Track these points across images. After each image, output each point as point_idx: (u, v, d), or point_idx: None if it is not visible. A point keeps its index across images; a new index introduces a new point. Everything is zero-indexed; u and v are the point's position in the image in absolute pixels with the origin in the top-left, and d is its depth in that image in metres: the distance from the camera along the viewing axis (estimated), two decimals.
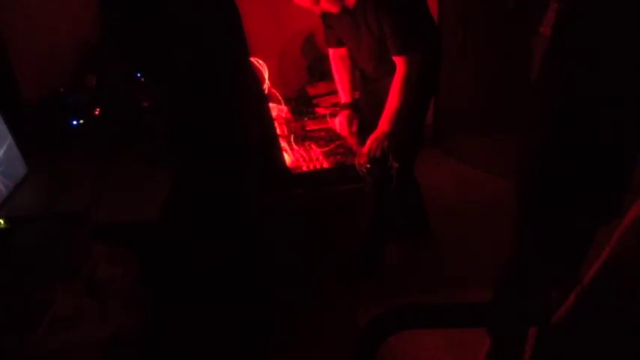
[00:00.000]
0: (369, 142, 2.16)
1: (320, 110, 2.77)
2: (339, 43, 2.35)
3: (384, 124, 2.15)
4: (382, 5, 2.02)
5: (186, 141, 1.74)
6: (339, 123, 2.37)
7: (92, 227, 1.44)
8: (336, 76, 2.44)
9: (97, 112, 2.02)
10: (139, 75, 2.12)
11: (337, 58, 2.41)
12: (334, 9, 2.08)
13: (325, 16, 2.21)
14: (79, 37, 2.32)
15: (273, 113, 2.48)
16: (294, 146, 2.37)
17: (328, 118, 2.58)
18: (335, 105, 2.65)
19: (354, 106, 2.40)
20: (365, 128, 2.31)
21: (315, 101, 2.88)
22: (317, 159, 2.27)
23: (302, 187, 2.16)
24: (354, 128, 2.35)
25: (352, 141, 2.34)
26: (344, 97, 2.42)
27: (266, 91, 2.61)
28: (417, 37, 2.10)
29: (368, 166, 2.14)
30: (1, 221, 1.46)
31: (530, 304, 1.20)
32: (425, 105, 2.38)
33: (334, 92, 2.64)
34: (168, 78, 1.69)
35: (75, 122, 1.98)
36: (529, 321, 1.17)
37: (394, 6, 2.03)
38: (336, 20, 2.19)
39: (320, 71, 3.15)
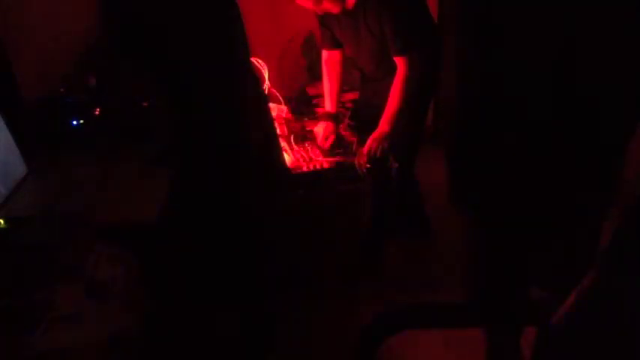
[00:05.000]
0: (369, 142, 2.16)
1: (320, 110, 2.77)
2: (335, 45, 2.33)
3: (384, 124, 2.15)
4: (383, 5, 2.02)
5: (187, 141, 1.74)
6: (317, 134, 2.37)
7: (92, 227, 1.44)
8: (325, 82, 2.42)
9: (97, 112, 2.02)
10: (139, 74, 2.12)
11: (330, 62, 2.39)
12: (335, 9, 2.08)
13: (325, 16, 2.20)
14: (79, 37, 2.32)
15: (273, 113, 2.47)
16: (294, 146, 2.37)
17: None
18: None
19: (335, 118, 2.39)
20: (365, 128, 2.31)
21: (315, 101, 2.88)
22: (317, 159, 2.27)
23: (302, 187, 2.16)
24: (329, 143, 2.34)
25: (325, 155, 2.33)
26: (329, 105, 2.41)
27: (266, 91, 2.61)
28: (418, 38, 2.11)
29: (368, 165, 2.14)
30: (1, 221, 1.46)
31: (510, 304, 1.21)
32: (425, 105, 2.38)
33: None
34: (169, 78, 1.69)
35: (75, 122, 1.98)
36: (518, 320, 1.17)
37: (395, 6, 2.03)
38: (335, 21, 2.19)
39: (320, 71, 3.14)
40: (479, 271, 1.64)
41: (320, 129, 2.37)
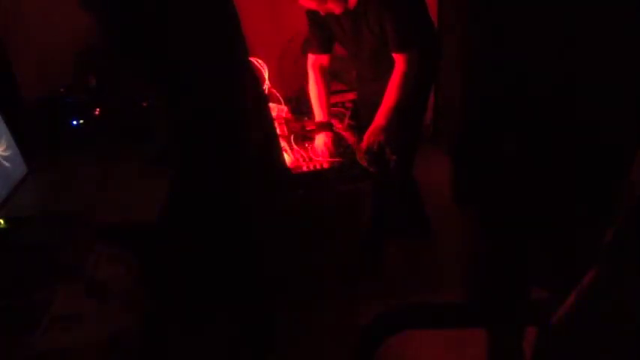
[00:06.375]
0: (365, 136, 2.17)
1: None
2: (324, 49, 2.30)
3: (380, 117, 2.15)
4: (385, 4, 2.02)
5: (187, 141, 1.74)
6: (325, 145, 2.28)
7: (92, 227, 1.44)
8: (313, 89, 2.34)
9: (97, 112, 2.02)
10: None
11: (317, 68, 2.33)
12: (337, 9, 2.08)
13: (325, 17, 2.19)
14: (79, 37, 2.32)
15: (273, 113, 2.47)
16: (294, 146, 2.37)
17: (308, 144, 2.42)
18: (334, 105, 2.62)
19: (331, 126, 2.33)
20: (364, 129, 2.31)
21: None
22: (317, 159, 2.27)
23: (302, 187, 2.16)
24: (330, 152, 2.27)
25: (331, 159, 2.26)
26: (321, 114, 2.32)
27: (266, 91, 2.61)
28: (418, 36, 2.12)
29: (367, 157, 2.14)
30: (1, 221, 1.47)
31: (511, 304, 1.21)
32: (423, 102, 2.37)
33: (334, 92, 2.62)
34: (169, 78, 1.69)
35: (75, 122, 1.98)
36: (518, 320, 1.17)
37: (396, 5, 2.04)
38: (335, 21, 2.19)
39: None
40: (480, 271, 1.64)
41: (320, 141, 2.31)
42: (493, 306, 1.28)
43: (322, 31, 2.27)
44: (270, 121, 2.09)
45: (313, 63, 2.35)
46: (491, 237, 1.58)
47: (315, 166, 2.24)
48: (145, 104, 2.01)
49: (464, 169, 1.54)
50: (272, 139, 2.05)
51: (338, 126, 2.42)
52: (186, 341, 1.75)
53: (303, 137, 2.45)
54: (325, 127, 2.32)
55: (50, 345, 1.10)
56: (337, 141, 2.33)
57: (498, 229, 1.55)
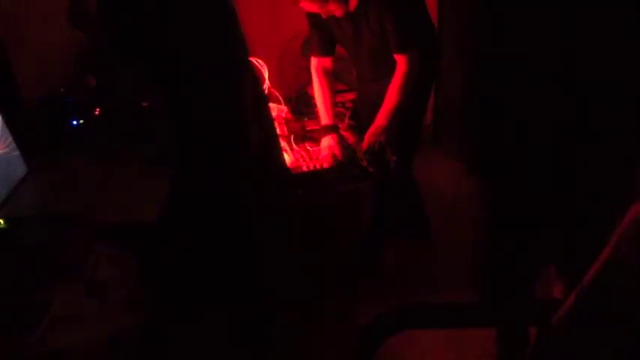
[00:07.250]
0: (366, 136, 2.17)
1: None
2: (327, 52, 2.30)
3: (381, 118, 2.15)
4: (385, 5, 2.03)
5: (187, 141, 1.75)
6: (330, 149, 2.27)
7: (92, 227, 1.44)
8: (318, 92, 2.34)
9: (97, 112, 2.02)
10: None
11: (320, 70, 2.33)
12: (339, 12, 2.08)
13: (327, 19, 2.19)
14: (79, 37, 2.32)
15: (273, 113, 2.47)
16: (294, 146, 2.37)
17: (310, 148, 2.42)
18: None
19: (336, 129, 2.33)
20: (365, 129, 2.31)
21: (315, 101, 2.88)
22: (317, 159, 2.27)
23: (302, 187, 2.16)
24: (336, 154, 2.27)
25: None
26: (326, 117, 2.32)
27: (266, 91, 2.61)
28: (419, 37, 2.12)
29: (368, 157, 2.15)
30: (1, 221, 1.47)
31: (513, 304, 1.21)
32: (423, 102, 2.38)
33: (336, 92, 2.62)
34: (169, 78, 1.70)
35: (75, 122, 1.98)
36: (519, 321, 1.17)
37: (396, 5, 2.04)
38: (335, 23, 2.19)
39: None
40: (485, 267, 1.64)
41: (325, 144, 2.31)
42: (496, 306, 1.28)
43: (324, 34, 2.26)
44: (270, 121, 2.09)
45: (316, 66, 2.34)
46: (493, 236, 1.58)
47: (315, 166, 2.24)
48: (145, 104, 2.01)
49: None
50: (272, 139, 2.05)
51: (338, 125, 2.43)
52: (186, 341, 1.74)
53: (303, 137, 2.45)
54: (331, 130, 2.32)
55: (50, 345, 1.10)
56: (340, 143, 2.32)
57: (500, 229, 1.55)
